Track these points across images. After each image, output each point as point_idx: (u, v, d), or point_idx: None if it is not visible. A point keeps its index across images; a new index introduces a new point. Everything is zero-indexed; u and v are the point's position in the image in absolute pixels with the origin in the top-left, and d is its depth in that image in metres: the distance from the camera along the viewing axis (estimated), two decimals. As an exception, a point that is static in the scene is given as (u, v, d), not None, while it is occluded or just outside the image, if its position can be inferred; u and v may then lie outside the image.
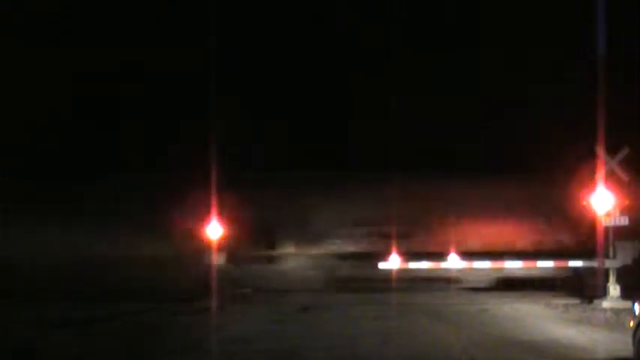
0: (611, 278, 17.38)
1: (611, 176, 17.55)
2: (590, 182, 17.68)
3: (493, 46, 23.43)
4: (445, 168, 21.60)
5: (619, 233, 17.61)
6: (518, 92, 22.81)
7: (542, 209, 21.38)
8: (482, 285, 20.70)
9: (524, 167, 20.44)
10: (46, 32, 23.45)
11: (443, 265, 19.91)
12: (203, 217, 19.15)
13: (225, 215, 19.42)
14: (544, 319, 15.35)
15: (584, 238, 19.36)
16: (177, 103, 23.64)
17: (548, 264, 19.78)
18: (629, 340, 9.99)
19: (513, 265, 19.87)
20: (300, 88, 23.78)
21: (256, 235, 21.25)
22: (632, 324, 10.06)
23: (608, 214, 17.29)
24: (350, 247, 21.73)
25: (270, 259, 21.84)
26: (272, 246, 21.91)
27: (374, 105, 22.93)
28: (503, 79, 22.69)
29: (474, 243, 20.83)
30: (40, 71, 22.81)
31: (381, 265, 19.65)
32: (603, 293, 17.30)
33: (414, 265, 19.81)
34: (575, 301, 17.90)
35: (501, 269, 19.96)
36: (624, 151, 17.68)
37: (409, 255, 19.61)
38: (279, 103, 23.70)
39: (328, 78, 23.75)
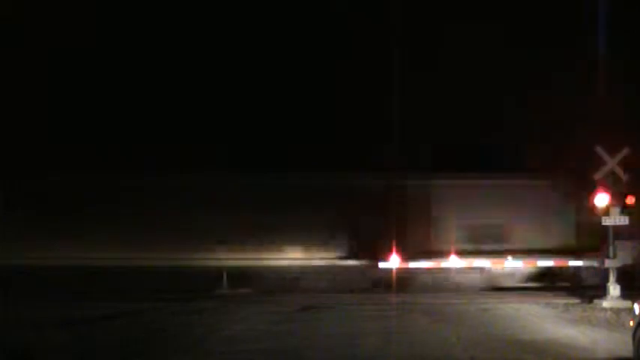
0: (611, 278, 17.38)
1: (611, 176, 17.58)
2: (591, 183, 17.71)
3: (493, 44, 23.41)
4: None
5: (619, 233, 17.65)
6: (518, 92, 22.80)
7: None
8: None
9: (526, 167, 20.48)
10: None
11: (443, 264, 19.94)
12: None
13: None
14: (544, 318, 15.35)
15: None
16: (176, 103, 23.66)
17: (549, 263, 19.82)
18: (629, 340, 9.98)
19: (514, 265, 19.90)
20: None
21: None
22: (632, 324, 10.05)
23: (607, 214, 17.32)
24: None
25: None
26: None
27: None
28: (503, 79, 22.68)
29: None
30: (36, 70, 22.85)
31: (382, 265, 19.66)
32: (603, 293, 17.32)
33: (413, 264, 19.84)
34: (576, 300, 17.91)
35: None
36: (624, 151, 17.69)
37: None
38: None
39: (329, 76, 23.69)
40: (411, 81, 22.01)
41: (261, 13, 24.05)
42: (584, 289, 18.88)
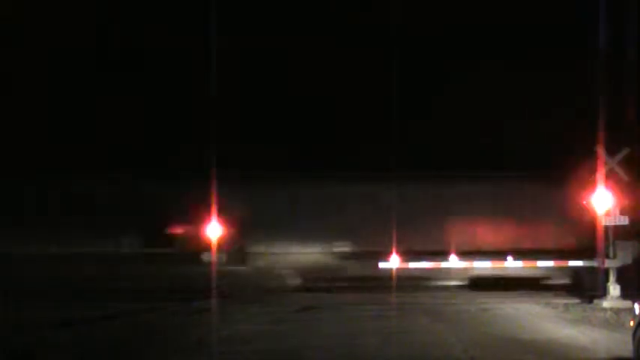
0: (611, 278, 17.37)
1: (611, 176, 17.57)
2: (589, 182, 17.71)
3: (492, 44, 23.40)
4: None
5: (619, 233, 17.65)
6: (518, 92, 22.79)
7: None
8: None
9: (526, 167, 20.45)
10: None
11: (443, 264, 19.92)
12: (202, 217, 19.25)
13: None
14: (544, 318, 15.36)
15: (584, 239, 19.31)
16: (176, 102, 23.67)
17: (549, 264, 19.78)
18: (629, 340, 9.98)
19: (514, 265, 19.87)
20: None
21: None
22: (632, 324, 10.05)
23: (607, 214, 17.31)
24: None
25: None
26: None
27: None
28: (502, 79, 22.67)
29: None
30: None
31: (382, 265, 19.64)
32: (603, 293, 17.32)
33: (413, 264, 19.82)
34: (576, 300, 17.92)
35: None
36: (624, 151, 17.68)
37: None
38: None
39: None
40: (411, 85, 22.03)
41: (261, 12, 24.08)
42: (583, 289, 18.87)
